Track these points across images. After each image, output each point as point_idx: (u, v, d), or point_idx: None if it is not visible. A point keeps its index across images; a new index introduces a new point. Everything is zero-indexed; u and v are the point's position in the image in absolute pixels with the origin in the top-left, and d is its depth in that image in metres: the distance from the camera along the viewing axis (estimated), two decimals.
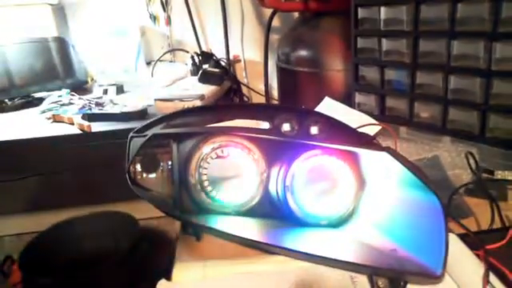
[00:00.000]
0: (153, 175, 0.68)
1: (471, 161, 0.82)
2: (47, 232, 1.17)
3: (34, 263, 1.07)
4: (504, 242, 0.59)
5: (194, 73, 1.58)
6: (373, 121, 1.00)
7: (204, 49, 1.89)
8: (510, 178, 0.81)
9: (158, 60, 1.75)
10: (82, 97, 1.39)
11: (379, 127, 0.98)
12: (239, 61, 1.96)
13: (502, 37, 0.81)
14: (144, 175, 0.68)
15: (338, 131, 0.62)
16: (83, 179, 1.22)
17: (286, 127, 0.63)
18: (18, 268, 1.05)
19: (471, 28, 0.86)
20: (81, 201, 1.29)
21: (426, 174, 0.57)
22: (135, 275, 1.08)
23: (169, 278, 0.55)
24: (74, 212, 1.23)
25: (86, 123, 1.09)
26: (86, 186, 1.24)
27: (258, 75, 1.89)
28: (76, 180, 1.22)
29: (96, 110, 1.24)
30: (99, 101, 1.35)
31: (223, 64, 1.68)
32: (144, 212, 1.24)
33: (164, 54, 1.81)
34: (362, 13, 1.08)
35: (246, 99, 1.85)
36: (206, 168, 0.67)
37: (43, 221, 1.20)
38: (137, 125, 0.65)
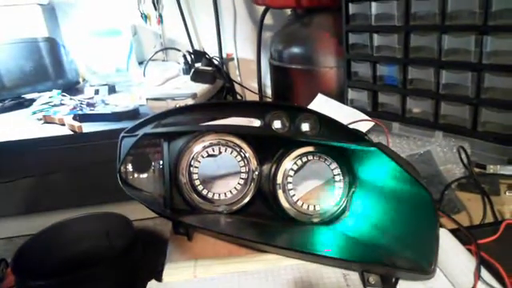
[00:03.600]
0: (144, 175, 0.67)
1: (463, 155, 0.82)
2: (40, 235, 1.16)
3: (27, 267, 1.06)
4: (496, 236, 0.59)
5: (186, 71, 1.57)
6: (365, 117, 1.00)
7: (196, 47, 1.88)
8: (501, 172, 0.81)
9: (150, 59, 1.74)
10: (73, 97, 1.38)
11: (372, 123, 0.98)
12: (232, 59, 1.96)
13: (493, 30, 0.81)
14: (135, 175, 0.67)
15: (329, 128, 0.62)
16: (75, 180, 1.21)
17: (277, 124, 0.63)
18: (11, 272, 1.04)
19: (462, 22, 0.86)
20: (74, 202, 1.28)
21: (417, 170, 0.57)
22: (129, 276, 1.07)
23: (159, 279, 0.54)
24: (67, 214, 1.22)
25: (77, 124, 1.08)
26: (79, 188, 1.23)
27: (252, 73, 1.89)
28: (68, 181, 1.21)
29: (87, 111, 1.23)
30: (90, 101, 1.34)
31: (216, 62, 1.68)
32: (138, 213, 1.23)
33: (156, 53, 1.80)
34: (353, 8, 1.08)
35: (239, 97, 1.84)
36: (196, 167, 0.66)
37: (36, 223, 1.19)
38: (128, 125, 0.65)
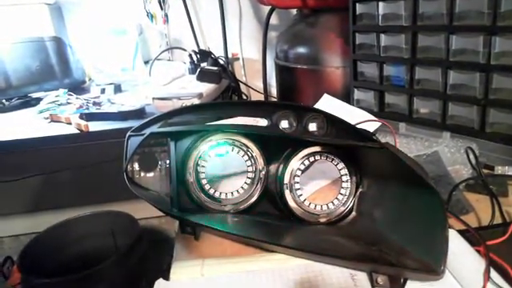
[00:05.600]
0: (151, 174, 0.68)
1: (471, 156, 0.81)
2: (46, 233, 1.17)
3: (33, 265, 1.07)
4: (505, 237, 0.59)
5: (192, 71, 1.57)
6: (372, 117, 0.99)
7: (202, 47, 1.88)
8: (510, 173, 0.80)
9: (156, 58, 1.74)
10: (79, 96, 1.39)
11: (378, 124, 0.97)
12: (237, 59, 1.96)
13: (502, 31, 0.80)
14: (142, 174, 0.67)
15: (336, 127, 0.62)
16: (82, 179, 1.21)
17: (284, 124, 0.63)
18: (17, 269, 1.05)
19: (470, 22, 0.85)
20: (80, 201, 1.29)
21: (426, 170, 0.56)
22: (135, 275, 1.07)
23: (167, 277, 0.54)
24: (72, 212, 1.23)
25: (83, 123, 1.08)
26: (85, 186, 1.24)
27: (257, 73, 1.89)
28: (74, 180, 1.21)
29: (93, 110, 1.24)
30: (97, 100, 1.34)
31: (221, 62, 1.68)
32: (144, 211, 1.24)
33: (162, 52, 1.80)
34: (360, 8, 1.07)
35: (244, 97, 1.84)
36: (203, 166, 0.66)
37: (42, 222, 1.20)
38: (135, 124, 0.65)
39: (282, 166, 0.66)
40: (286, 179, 0.65)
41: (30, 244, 1.12)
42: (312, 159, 0.65)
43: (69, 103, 1.34)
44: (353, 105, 1.15)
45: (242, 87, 1.86)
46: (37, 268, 1.06)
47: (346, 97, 1.18)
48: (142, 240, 1.13)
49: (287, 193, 0.65)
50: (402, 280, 0.51)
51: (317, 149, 0.65)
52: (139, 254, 1.09)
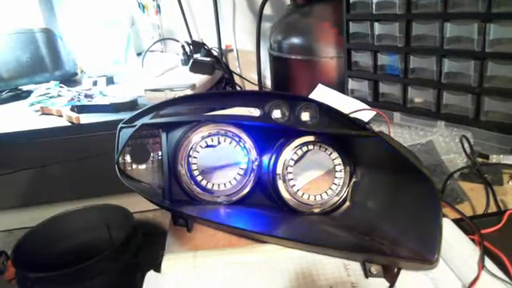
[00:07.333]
0: (143, 166, 0.67)
1: (466, 145, 0.81)
2: (40, 227, 1.16)
3: (27, 259, 1.06)
4: (499, 226, 0.59)
5: (184, 62, 1.55)
6: (366, 107, 0.99)
7: (195, 38, 1.85)
8: (505, 161, 0.80)
9: (148, 50, 1.72)
10: (70, 89, 1.37)
11: (373, 113, 0.97)
12: (231, 50, 1.94)
13: (496, 17, 0.79)
14: (134, 166, 0.66)
15: (329, 117, 0.61)
16: (74, 172, 1.20)
17: (276, 114, 0.62)
18: (12, 264, 1.04)
19: (464, 9, 0.84)
20: (73, 194, 1.28)
21: (420, 159, 0.56)
22: (130, 268, 1.07)
23: (158, 270, 0.53)
24: (66, 206, 1.22)
25: (74, 115, 1.07)
26: (78, 179, 1.23)
27: (251, 64, 1.87)
28: (67, 173, 1.20)
29: (85, 102, 1.22)
30: (88, 92, 1.33)
31: (215, 53, 1.66)
32: (138, 205, 1.23)
33: (154, 43, 1.78)
34: None
35: (238, 89, 1.82)
36: (195, 157, 0.65)
37: (35, 216, 1.19)
38: (127, 116, 0.64)
39: (274, 157, 0.65)
40: (279, 169, 0.64)
41: (24, 238, 1.11)
42: (305, 149, 0.65)
43: (60, 96, 1.32)
44: (347, 95, 1.14)
45: (236, 79, 1.85)
46: (31, 262, 1.05)
47: (341, 87, 1.17)
48: (136, 233, 1.12)
49: (280, 183, 0.64)
50: (395, 269, 0.50)
51: (310, 138, 0.64)
52: (134, 248, 1.09)
